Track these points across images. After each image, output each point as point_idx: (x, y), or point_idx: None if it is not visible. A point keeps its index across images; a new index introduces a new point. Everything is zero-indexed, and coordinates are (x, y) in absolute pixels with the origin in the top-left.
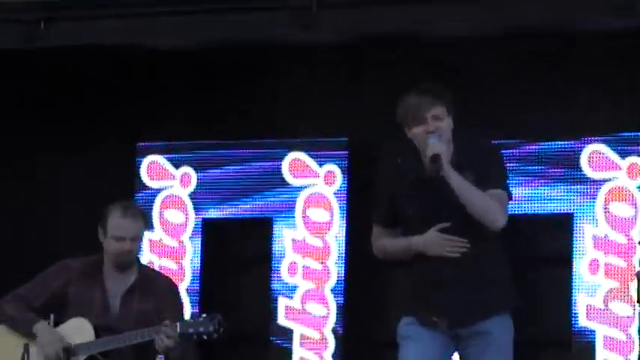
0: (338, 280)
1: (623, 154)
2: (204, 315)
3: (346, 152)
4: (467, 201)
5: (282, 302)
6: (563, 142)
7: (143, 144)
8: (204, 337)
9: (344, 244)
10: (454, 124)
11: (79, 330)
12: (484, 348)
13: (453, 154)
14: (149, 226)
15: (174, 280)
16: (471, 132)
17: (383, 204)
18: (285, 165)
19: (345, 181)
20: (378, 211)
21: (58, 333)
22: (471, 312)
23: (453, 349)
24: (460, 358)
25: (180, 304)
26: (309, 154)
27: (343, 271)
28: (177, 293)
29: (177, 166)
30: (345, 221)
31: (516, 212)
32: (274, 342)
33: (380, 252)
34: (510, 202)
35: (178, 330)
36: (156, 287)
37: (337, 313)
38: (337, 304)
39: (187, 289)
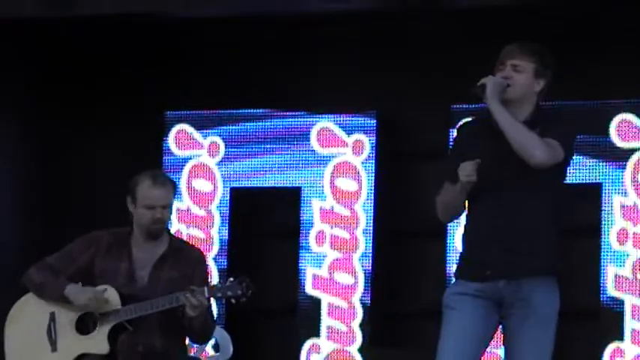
0: (366, 250)
1: None
2: (231, 279)
3: (375, 122)
4: (507, 131)
5: (309, 272)
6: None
7: (171, 113)
8: (233, 300)
9: (372, 214)
10: (544, 93)
11: (106, 299)
12: (525, 319)
13: (530, 115)
14: (177, 195)
15: (202, 250)
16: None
17: (450, 158)
18: (313, 134)
19: (374, 151)
20: (445, 165)
21: (91, 288)
22: (516, 262)
23: (497, 321)
24: (503, 329)
25: (209, 276)
26: (337, 124)
27: (371, 241)
28: (207, 264)
29: (205, 135)
30: (373, 190)
31: None
32: (302, 311)
33: (439, 207)
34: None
35: (206, 294)
36: (186, 258)
37: (365, 283)
38: (365, 273)
39: (215, 259)
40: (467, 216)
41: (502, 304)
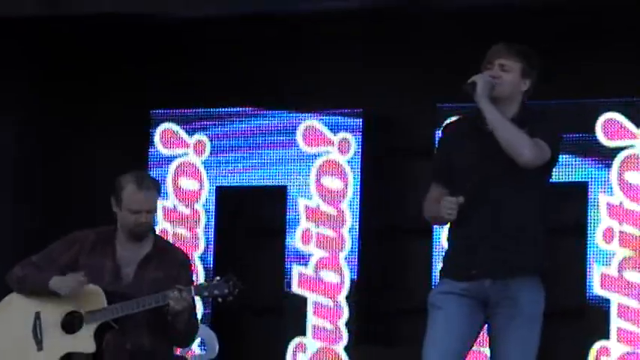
0: (352, 249)
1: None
2: (218, 277)
3: (361, 120)
4: (496, 129)
5: (295, 270)
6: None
7: (156, 111)
8: (220, 299)
9: (358, 213)
10: (529, 92)
11: (91, 297)
12: (511, 318)
13: (515, 114)
14: (162, 194)
15: (186, 250)
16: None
17: (436, 158)
18: (299, 133)
19: (360, 149)
20: (433, 165)
21: (74, 275)
22: (502, 261)
23: (483, 320)
24: (488, 329)
25: (192, 278)
26: (323, 123)
27: (357, 239)
28: (191, 267)
29: (190, 133)
30: (359, 189)
31: None
32: (288, 310)
33: (425, 214)
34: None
35: (193, 292)
36: (171, 259)
37: (351, 282)
38: (351, 271)
39: (201, 257)
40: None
41: (488, 304)
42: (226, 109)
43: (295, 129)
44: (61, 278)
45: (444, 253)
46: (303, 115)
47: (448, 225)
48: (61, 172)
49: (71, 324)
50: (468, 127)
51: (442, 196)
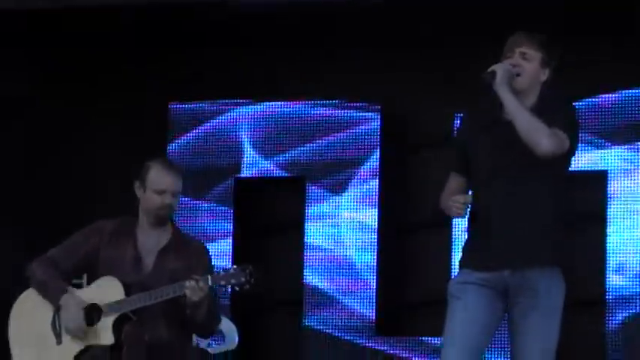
0: (371, 241)
1: None
2: (234, 266)
3: (379, 115)
4: (515, 118)
5: (314, 263)
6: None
7: (175, 105)
8: (237, 287)
9: (377, 207)
10: (549, 82)
11: (109, 289)
12: (530, 308)
13: (534, 104)
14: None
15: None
16: (559, 92)
17: (455, 148)
18: (318, 124)
19: (378, 143)
20: (451, 154)
21: (87, 299)
22: (518, 253)
23: (503, 310)
24: (508, 318)
25: (211, 267)
26: (342, 115)
27: (376, 233)
28: (210, 257)
29: (208, 124)
30: (377, 183)
31: None
32: (307, 302)
33: (442, 206)
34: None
35: (210, 282)
36: (189, 249)
37: (370, 274)
38: (370, 266)
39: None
40: (472, 203)
41: (507, 294)
42: (245, 100)
43: (313, 121)
44: (72, 305)
45: (463, 243)
46: (322, 107)
47: (467, 215)
48: (62, 170)
49: (90, 316)
50: (485, 117)
51: (460, 186)
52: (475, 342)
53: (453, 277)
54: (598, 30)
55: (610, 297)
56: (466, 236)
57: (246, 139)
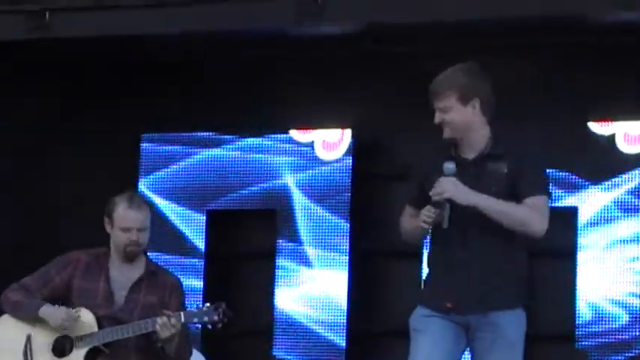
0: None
1: None
2: (207, 304)
3: (351, 141)
4: (498, 218)
5: (285, 292)
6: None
7: (147, 135)
8: (209, 326)
9: (347, 234)
10: (487, 108)
11: (82, 321)
12: (492, 342)
13: (487, 145)
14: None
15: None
16: (507, 127)
17: (414, 184)
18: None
19: (349, 171)
20: (409, 190)
21: (64, 308)
22: (483, 299)
23: (465, 343)
24: (470, 352)
25: (184, 302)
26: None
27: (347, 262)
28: (183, 292)
29: (179, 157)
30: (348, 211)
31: None
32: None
33: (402, 231)
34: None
35: (182, 319)
36: (162, 283)
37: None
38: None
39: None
40: (430, 242)
41: (469, 329)
42: (215, 134)
43: (284, 154)
44: (53, 308)
45: (424, 279)
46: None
47: (426, 251)
48: (48, 190)
49: (62, 347)
50: (442, 158)
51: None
52: None
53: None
54: None
55: (580, 332)
56: (426, 272)
57: (216, 174)
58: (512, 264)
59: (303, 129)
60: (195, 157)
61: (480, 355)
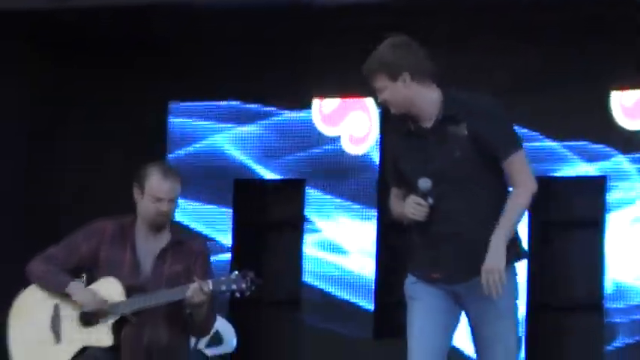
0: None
1: None
2: (235, 272)
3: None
4: (512, 230)
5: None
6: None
7: (175, 104)
8: (237, 294)
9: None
10: (420, 77)
11: (109, 290)
12: (483, 314)
13: (441, 110)
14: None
15: (204, 241)
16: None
17: (387, 166)
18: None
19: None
20: (387, 172)
21: (92, 290)
22: (464, 267)
23: (459, 310)
24: (467, 322)
25: (211, 267)
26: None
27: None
28: (209, 255)
29: (207, 125)
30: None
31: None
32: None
33: (393, 213)
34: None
35: (210, 287)
36: (187, 250)
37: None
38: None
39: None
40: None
41: (460, 296)
42: (243, 102)
43: (312, 122)
44: (81, 288)
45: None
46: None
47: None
48: (58, 169)
49: (89, 317)
50: (404, 132)
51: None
52: (436, 341)
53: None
54: None
55: (607, 303)
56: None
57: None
58: (491, 224)
59: (329, 96)
60: (222, 127)
61: (474, 325)
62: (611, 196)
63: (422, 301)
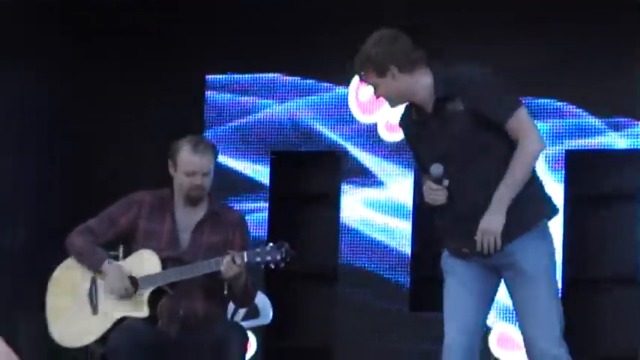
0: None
1: None
2: (270, 244)
3: None
4: (522, 184)
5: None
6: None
7: (212, 77)
8: (272, 265)
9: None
10: (409, 67)
11: (146, 262)
12: (512, 281)
13: (434, 88)
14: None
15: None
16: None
17: (414, 153)
18: (351, 101)
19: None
20: (416, 161)
21: (126, 271)
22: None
23: (497, 279)
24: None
25: (249, 239)
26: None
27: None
28: (247, 227)
29: (244, 99)
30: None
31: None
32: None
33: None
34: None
35: (245, 258)
36: (225, 221)
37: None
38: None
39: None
40: None
41: (494, 267)
42: (280, 74)
43: (346, 98)
44: (114, 270)
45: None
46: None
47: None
48: (101, 141)
49: (128, 293)
50: (413, 118)
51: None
52: (473, 314)
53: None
54: None
55: None
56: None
57: (283, 115)
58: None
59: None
60: (259, 101)
61: (511, 293)
62: None
63: (456, 275)
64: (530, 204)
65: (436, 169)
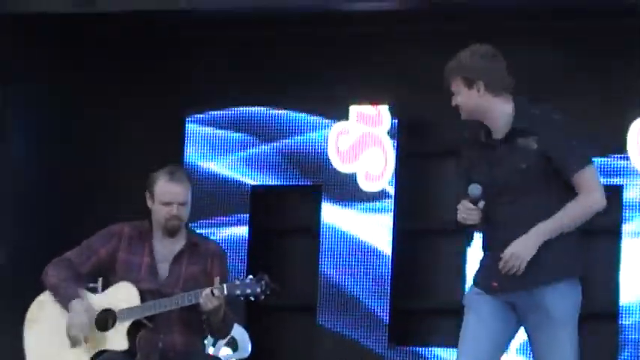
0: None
1: None
2: (250, 276)
3: (396, 121)
4: (572, 227)
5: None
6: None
7: (192, 116)
8: (252, 298)
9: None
10: (494, 88)
11: (124, 294)
12: (539, 324)
13: (514, 119)
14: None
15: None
16: (526, 99)
17: (460, 172)
18: (332, 136)
19: (395, 149)
20: (459, 177)
21: (90, 316)
22: (522, 277)
23: (517, 321)
24: (526, 334)
25: (227, 270)
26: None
27: (391, 239)
28: (225, 258)
29: (224, 134)
30: (394, 188)
31: None
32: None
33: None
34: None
35: (225, 291)
36: (203, 252)
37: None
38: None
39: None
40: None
41: (516, 308)
42: (259, 107)
43: (327, 131)
44: (78, 312)
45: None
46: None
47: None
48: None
49: (105, 321)
50: (476, 141)
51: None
52: (488, 353)
53: (468, 289)
54: None
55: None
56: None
57: (263, 149)
58: (554, 238)
59: (348, 104)
60: (240, 135)
61: (531, 337)
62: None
63: (477, 312)
64: (570, 257)
65: (476, 189)
